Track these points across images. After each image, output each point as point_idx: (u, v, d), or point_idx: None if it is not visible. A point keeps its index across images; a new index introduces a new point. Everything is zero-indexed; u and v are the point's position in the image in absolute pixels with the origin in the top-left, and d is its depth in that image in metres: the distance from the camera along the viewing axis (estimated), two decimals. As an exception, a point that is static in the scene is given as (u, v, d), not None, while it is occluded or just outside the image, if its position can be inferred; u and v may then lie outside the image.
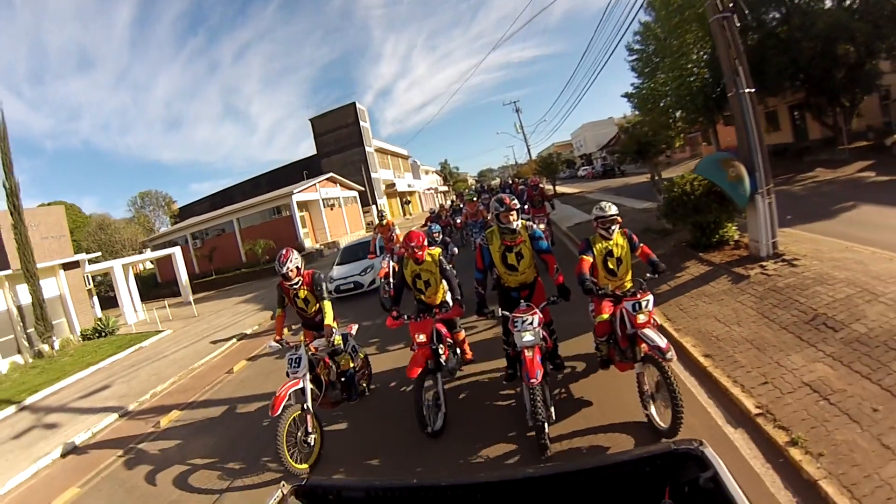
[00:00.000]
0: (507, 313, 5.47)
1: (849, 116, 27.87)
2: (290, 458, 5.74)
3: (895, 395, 4.56)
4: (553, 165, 44.80)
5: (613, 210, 5.78)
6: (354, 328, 7.82)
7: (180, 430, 8.85)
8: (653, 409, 5.17)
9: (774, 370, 5.58)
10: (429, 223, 20.26)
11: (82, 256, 25.25)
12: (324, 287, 7.06)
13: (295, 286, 6.88)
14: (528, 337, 5.11)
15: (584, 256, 5.82)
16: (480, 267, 6.17)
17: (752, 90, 9.28)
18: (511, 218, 5.70)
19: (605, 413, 5.66)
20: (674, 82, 29.76)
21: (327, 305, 6.96)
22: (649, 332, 5.06)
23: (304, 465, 6.00)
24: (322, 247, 35.98)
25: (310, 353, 6.73)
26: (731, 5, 8.94)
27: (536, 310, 5.38)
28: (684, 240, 11.51)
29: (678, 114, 31.75)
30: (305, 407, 6.19)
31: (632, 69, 34.50)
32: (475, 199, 17.72)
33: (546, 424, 4.91)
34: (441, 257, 6.92)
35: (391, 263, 12.74)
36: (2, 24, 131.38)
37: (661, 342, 4.91)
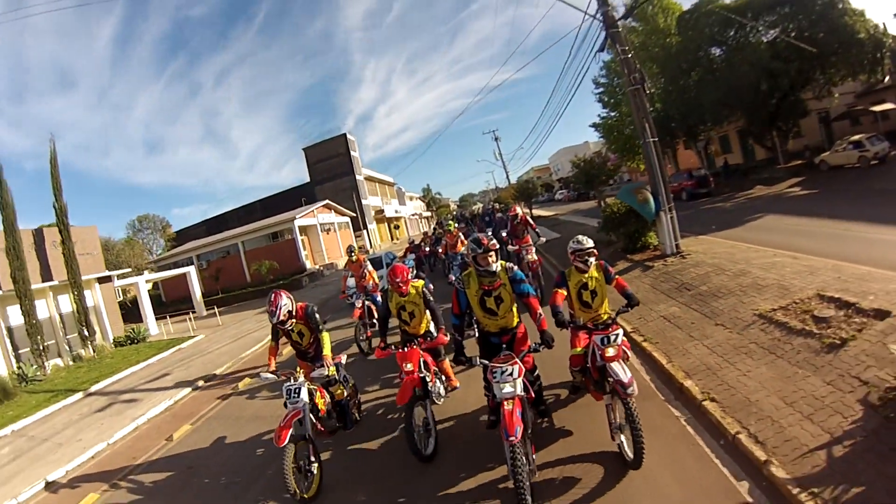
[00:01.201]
0: (486, 362, 5.29)
1: (784, 140, 31.49)
2: (293, 486, 5.85)
3: (704, 315, 8.29)
4: (529, 190, 48.06)
5: (590, 244, 5.94)
6: (344, 358, 7.91)
7: (255, 390, 11.59)
8: (623, 439, 5.24)
9: (648, 312, 9.24)
10: (407, 254, 21.99)
11: (114, 272, 28.33)
12: (318, 318, 7.21)
13: (289, 327, 7.06)
14: (507, 388, 4.89)
15: (559, 290, 5.95)
16: (457, 312, 5.86)
17: (656, 139, 12.84)
18: (490, 260, 5.45)
19: (582, 442, 5.76)
20: (631, 114, 33.34)
21: (325, 337, 7.16)
22: (615, 366, 5.16)
23: (309, 494, 6.10)
24: (321, 268, 39.16)
25: (307, 384, 6.78)
26: (639, 80, 12.59)
27: (517, 359, 5.13)
28: (620, 247, 15.15)
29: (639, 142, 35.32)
30: (307, 436, 6.32)
31: (598, 101, 38.11)
32: (454, 229, 16.71)
33: (528, 484, 4.60)
34: (424, 289, 7.30)
35: (365, 303, 12.35)
36: None
37: (625, 377, 5.03)
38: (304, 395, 6.48)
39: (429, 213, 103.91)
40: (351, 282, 13.90)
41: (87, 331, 23.05)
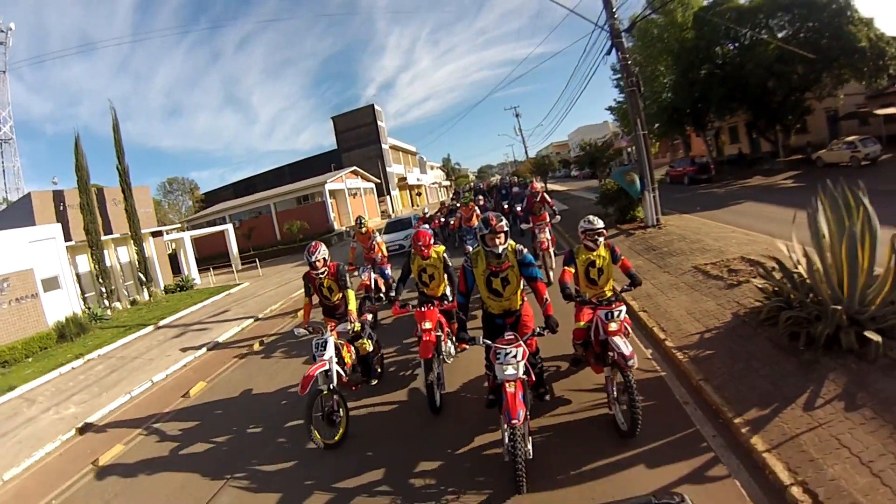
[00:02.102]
0: (490, 342, 5.27)
1: (786, 135, 33.52)
2: (318, 433, 6.18)
3: (658, 266, 11.14)
4: (545, 166, 50.66)
5: (600, 224, 6.20)
6: (370, 316, 8.27)
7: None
8: (618, 410, 5.46)
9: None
10: (420, 224, 23.07)
11: (164, 227, 31.46)
12: (347, 278, 7.49)
13: (321, 275, 7.34)
14: (510, 371, 4.87)
15: (567, 267, 6.14)
16: (463, 290, 5.80)
17: (645, 132, 15.48)
18: (497, 241, 5.35)
19: (580, 412, 6.04)
20: (646, 102, 35.44)
21: (350, 294, 7.37)
22: (617, 340, 5.34)
23: (334, 441, 6.43)
24: (348, 229, 41.66)
25: (334, 337, 6.97)
26: (635, 83, 15.22)
27: (521, 341, 5.12)
28: (614, 219, 17.82)
29: (655, 126, 37.34)
30: (331, 387, 6.53)
31: (616, 86, 39.49)
32: (470, 202, 16.72)
33: (524, 463, 4.66)
34: (445, 255, 7.64)
35: (372, 276, 12.38)
36: (3, 4, 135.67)
37: (626, 350, 5.20)
38: (331, 349, 6.78)
39: (448, 183, 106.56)
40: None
41: (146, 277, 26.19)
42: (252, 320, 16.16)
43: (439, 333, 6.79)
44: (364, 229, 13.20)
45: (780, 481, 4.20)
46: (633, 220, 16.90)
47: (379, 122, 60.49)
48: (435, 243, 7.95)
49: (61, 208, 24.61)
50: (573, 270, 6.25)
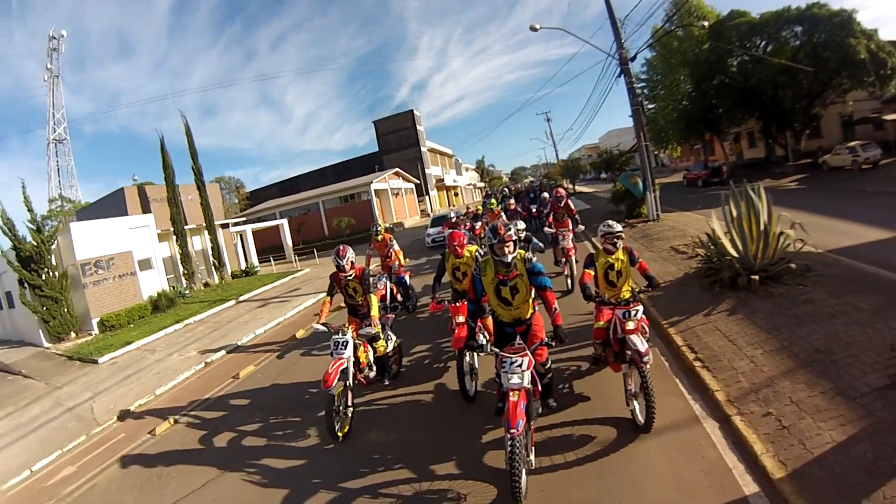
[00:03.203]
0: (498, 350, 5.29)
1: (797, 140, 35.65)
2: (336, 427, 6.56)
3: (644, 247, 14.51)
4: (574, 169, 53.60)
5: (618, 228, 6.42)
6: (391, 318, 8.56)
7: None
8: (635, 406, 5.68)
9: None
10: (444, 229, 22.14)
11: (229, 220, 35.56)
12: (371, 282, 7.80)
13: (348, 277, 7.64)
14: (514, 380, 4.89)
15: (587, 270, 6.38)
16: (472, 297, 5.89)
17: (647, 143, 18.62)
18: (506, 250, 5.33)
19: (599, 408, 6.23)
20: (666, 108, 38.57)
21: (373, 299, 7.67)
22: (634, 338, 5.60)
23: (341, 434, 6.80)
24: (391, 225, 45.21)
25: (353, 337, 7.26)
26: (639, 103, 18.36)
27: (527, 350, 5.12)
28: (624, 214, 21.14)
29: (671, 133, 40.00)
30: (347, 384, 6.92)
31: (639, 94, 41.79)
32: (496, 207, 16.71)
33: (523, 473, 4.74)
34: (477, 254, 7.90)
35: (388, 285, 11.73)
36: (44, 8, 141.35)
37: (642, 347, 5.49)
38: (350, 349, 7.08)
39: (482, 184, 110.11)
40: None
41: (219, 263, 30.07)
42: (325, 294, 19.47)
43: (473, 325, 6.82)
44: (381, 237, 12.79)
45: (677, 346, 7.62)
46: (639, 216, 20.07)
47: (418, 126, 64.14)
48: (469, 243, 8.35)
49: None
50: (593, 273, 6.51)
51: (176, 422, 9.52)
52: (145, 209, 28.37)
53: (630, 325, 5.79)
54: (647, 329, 6.43)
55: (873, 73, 29.04)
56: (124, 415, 10.67)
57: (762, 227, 9.08)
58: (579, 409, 6.38)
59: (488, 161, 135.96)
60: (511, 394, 4.80)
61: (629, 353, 5.69)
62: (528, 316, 5.75)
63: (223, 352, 13.94)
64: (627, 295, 6.51)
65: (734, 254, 9.38)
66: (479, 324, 7.00)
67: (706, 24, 31.76)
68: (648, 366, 5.50)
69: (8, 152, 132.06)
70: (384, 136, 64.50)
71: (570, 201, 13.74)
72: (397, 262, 12.57)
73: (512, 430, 4.52)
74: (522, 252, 5.61)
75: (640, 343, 5.58)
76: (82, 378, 14.34)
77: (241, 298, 22.61)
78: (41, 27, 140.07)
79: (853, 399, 5.21)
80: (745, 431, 5.20)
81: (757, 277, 8.72)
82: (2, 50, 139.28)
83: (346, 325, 7.73)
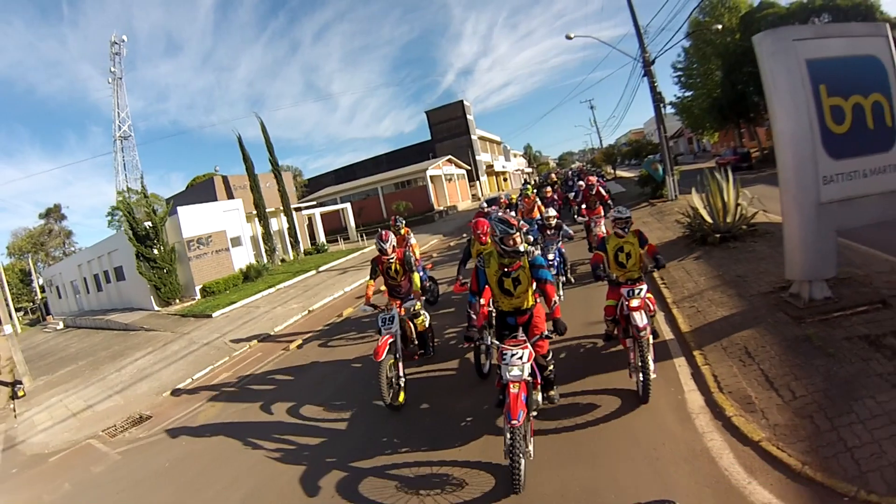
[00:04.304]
0: (498, 343, 5.41)
1: None
2: (387, 395, 7.02)
3: (655, 219, 17.77)
4: (613, 156, 56.23)
5: (628, 213, 6.98)
6: (423, 299, 9.13)
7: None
8: (638, 379, 6.08)
9: (639, 218, 18.15)
10: (476, 219, 24.71)
11: (301, 204, 39.67)
12: (412, 262, 8.33)
13: (390, 260, 8.20)
14: (515, 371, 4.98)
15: (598, 252, 7.07)
16: (475, 289, 5.89)
17: (667, 134, 21.46)
18: (517, 240, 5.47)
19: (607, 381, 6.76)
20: (700, 97, 40.76)
21: (416, 277, 8.33)
22: (636, 315, 6.00)
23: (397, 402, 7.32)
24: (445, 209, 49.06)
25: (399, 314, 7.81)
26: (660, 96, 21.27)
27: (528, 343, 5.26)
28: (648, 195, 24.28)
29: (706, 121, 42.20)
30: (397, 356, 7.43)
31: (676, 82, 44.06)
32: (532, 193, 16.72)
33: (522, 463, 4.82)
34: None
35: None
36: (94, 12, 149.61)
37: (640, 323, 5.90)
38: (397, 324, 7.58)
39: (529, 170, 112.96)
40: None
41: (294, 241, 34.22)
42: (368, 277, 23.07)
43: (492, 309, 6.89)
44: (402, 230, 12.92)
45: (658, 287, 10.82)
46: (661, 197, 23.00)
47: (468, 116, 67.09)
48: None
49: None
50: (603, 255, 6.99)
51: (303, 342, 13.25)
52: (230, 195, 32.61)
53: (634, 303, 6.21)
54: (651, 306, 6.85)
55: (895, 61, 30.25)
56: (264, 338, 14.75)
57: (726, 201, 12.23)
58: (591, 380, 6.92)
59: (536, 147, 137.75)
60: (512, 385, 4.89)
61: (631, 329, 6.14)
62: (530, 305, 5.84)
63: (323, 301, 17.89)
64: (636, 275, 6.86)
65: (709, 220, 12.70)
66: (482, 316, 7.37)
67: (720, 26, 33.89)
68: (646, 339, 5.97)
69: (67, 149, 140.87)
70: (436, 125, 67.68)
71: (601, 188, 14.47)
72: (413, 257, 11.95)
73: (513, 422, 4.61)
74: (526, 245, 5.94)
75: (640, 319, 5.99)
76: (203, 327, 18.44)
77: (321, 269, 26.54)
78: (91, 31, 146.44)
79: (744, 298, 8.61)
80: (676, 315, 8.76)
81: (718, 236, 12.02)
82: (57, 54, 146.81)
83: (390, 303, 8.37)
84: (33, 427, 12.25)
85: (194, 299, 25.26)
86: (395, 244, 8.19)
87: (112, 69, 69.13)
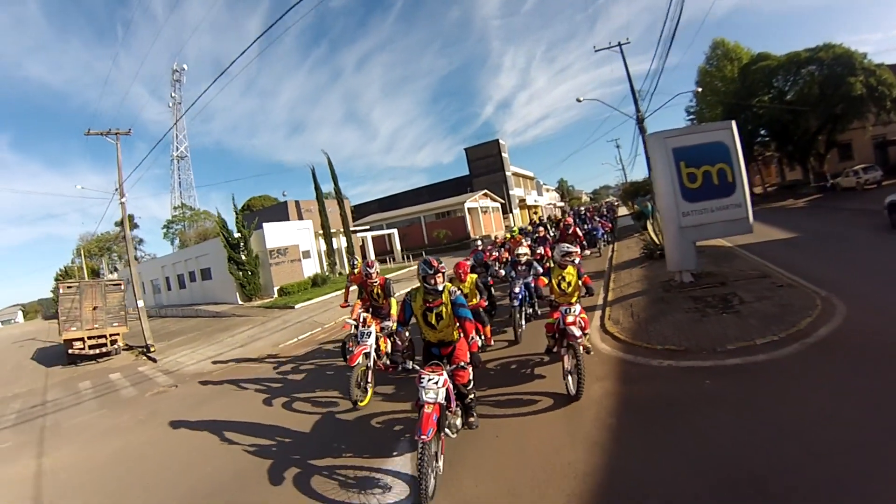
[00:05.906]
0: (418, 367, 5.77)
1: (820, 163, 40.84)
2: (356, 395, 8.03)
3: (636, 244, 22.93)
4: (636, 191, 60.18)
5: (572, 249, 8.13)
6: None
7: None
8: (569, 380, 7.14)
9: (629, 245, 23.82)
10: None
11: (356, 228, 45.93)
12: (391, 289, 9.65)
13: (374, 284, 9.47)
14: (430, 395, 5.32)
15: (543, 278, 8.47)
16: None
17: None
18: (437, 280, 5.93)
19: (546, 384, 7.91)
20: (715, 110, 44.16)
21: (394, 302, 9.60)
22: (571, 328, 7.08)
23: (363, 403, 8.23)
24: (481, 237, 52.88)
25: (376, 331, 8.98)
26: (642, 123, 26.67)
27: (444, 370, 5.63)
28: (641, 227, 28.92)
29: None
30: (368, 366, 8.53)
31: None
32: (518, 234, 17.94)
33: (432, 477, 5.12)
34: (478, 280, 10.39)
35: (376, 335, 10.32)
36: (149, 38, 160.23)
37: (577, 333, 7.04)
38: (373, 339, 8.73)
39: (562, 204, 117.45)
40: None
41: (354, 258, 39.49)
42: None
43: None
44: (357, 271, 11.73)
45: (609, 282, 16.44)
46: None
47: (503, 154, 72.49)
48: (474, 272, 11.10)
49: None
50: (546, 281, 8.36)
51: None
52: (299, 217, 38.92)
53: (569, 319, 7.27)
54: (584, 324, 7.82)
55: (874, 106, 33.67)
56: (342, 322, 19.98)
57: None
58: (533, 384, 8.16)
59: (570, 181, 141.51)
60: (426, 406, 5.28)
61: (567, 340, 7.20)
62: (454, 339, 6.28)
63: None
64: (573, 299, 8.03)
65: (656, 241, 18.10)
66: (481, 331, 9.51)
67: (699, 89, 39.41)
68: (580, 346, 7.02)
69: (111, 163, 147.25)
70: (474, 161, 73.17)
71: (577, 229, 18.76)
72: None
73: (423, 437, 4.95)
74: (450, 285, 6.29)
75: (576, 330, 7.08)
76: (290, 314, 23.26)
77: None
78: (143, 53, 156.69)
79: (650, 283, 14.11)
80: (610, 293, 14.24)
81: (659, 253, 17.39)
82: (111, 74, 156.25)
83: (369, 321, 9.35)
84: (178, 364, 16.66)
85: (272, 297, 31.59)
86: (378, 271, 9.60)
87: (172, 94, 76.45)
